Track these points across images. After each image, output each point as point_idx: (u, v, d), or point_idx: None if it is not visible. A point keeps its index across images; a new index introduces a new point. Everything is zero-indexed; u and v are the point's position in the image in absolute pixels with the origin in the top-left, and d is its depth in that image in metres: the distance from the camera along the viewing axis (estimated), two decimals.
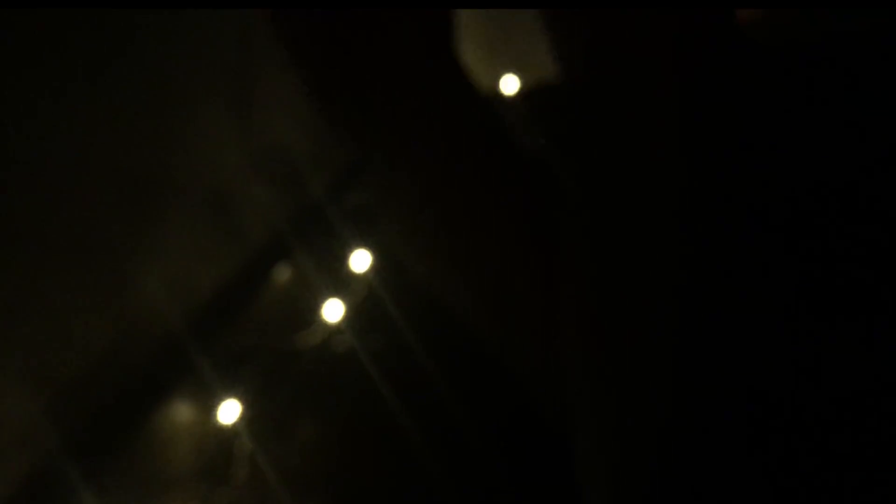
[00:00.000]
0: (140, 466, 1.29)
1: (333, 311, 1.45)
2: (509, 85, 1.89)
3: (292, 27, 0.44)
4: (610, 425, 0.41)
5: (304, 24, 0.44)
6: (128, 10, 1.26)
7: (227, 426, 1.32)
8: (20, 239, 1.15)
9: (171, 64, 1.37)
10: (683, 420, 0.37)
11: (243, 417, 1.32)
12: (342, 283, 1.49)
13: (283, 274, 1.60)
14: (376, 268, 1.50)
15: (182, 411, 1.35)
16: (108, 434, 1.27)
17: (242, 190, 1.54)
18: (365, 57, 0.45)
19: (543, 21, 0.44)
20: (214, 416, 1.32)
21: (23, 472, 1.17)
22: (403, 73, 0.46)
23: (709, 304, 0.38)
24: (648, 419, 0.38)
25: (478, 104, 0.50)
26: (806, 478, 0.34)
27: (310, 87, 0.46)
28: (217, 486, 1.28)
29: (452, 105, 0.48)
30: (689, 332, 0.38)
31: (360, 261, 1.51)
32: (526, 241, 0.49)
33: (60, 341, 1.22)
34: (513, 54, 2.45)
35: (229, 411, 1.32)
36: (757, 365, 0.36)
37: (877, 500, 0.33)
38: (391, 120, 0.46)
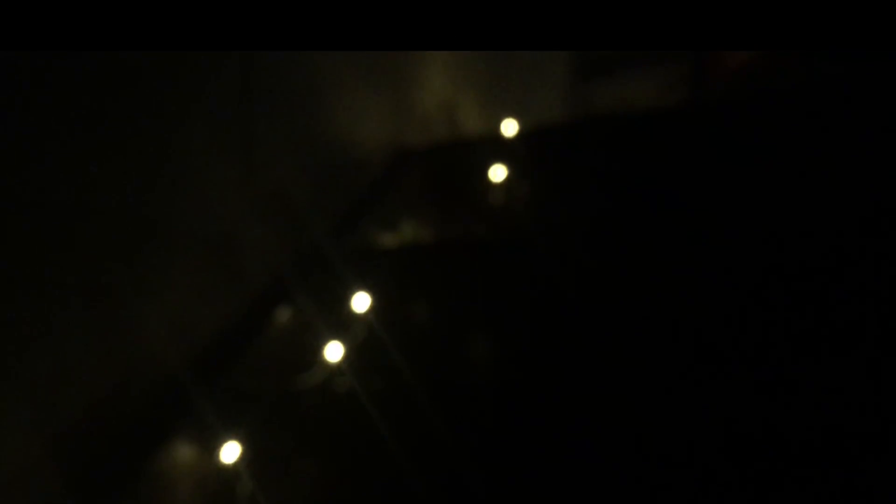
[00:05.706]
0: None
1: (334, 352, 1.46)
2: (509, 127, 1.90)
3: None
4: None
5: None
6: (132, 58, 1.30)
7: (228, 466, 1.32)
8: (25, 281, 1.17)
9: (173, 110, 1.41)
10: None
11: (244, 458, 1.32)
12: (342, 324, 1.50)
13: (283, 316, 1.61)
14: (376, 309, 1.51)
15: (184, 452, 1.36)
16: (110, 474, 1.27)
17: (243, 233, 1.56)
18: None
19: None
20: (216, 456, 1.33)
21: None
22: None
23: None
24: None
25: None
26: None
27: None
28: None
29: None
30: None
31: (361, 302, 1.52)
32: None
33: (63, 382, 1.23)
34: (512, 97, 2.49)
35: (231, 452, 1.33)
36: None
37: None
38: None
